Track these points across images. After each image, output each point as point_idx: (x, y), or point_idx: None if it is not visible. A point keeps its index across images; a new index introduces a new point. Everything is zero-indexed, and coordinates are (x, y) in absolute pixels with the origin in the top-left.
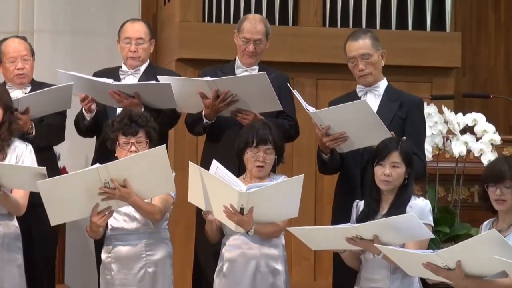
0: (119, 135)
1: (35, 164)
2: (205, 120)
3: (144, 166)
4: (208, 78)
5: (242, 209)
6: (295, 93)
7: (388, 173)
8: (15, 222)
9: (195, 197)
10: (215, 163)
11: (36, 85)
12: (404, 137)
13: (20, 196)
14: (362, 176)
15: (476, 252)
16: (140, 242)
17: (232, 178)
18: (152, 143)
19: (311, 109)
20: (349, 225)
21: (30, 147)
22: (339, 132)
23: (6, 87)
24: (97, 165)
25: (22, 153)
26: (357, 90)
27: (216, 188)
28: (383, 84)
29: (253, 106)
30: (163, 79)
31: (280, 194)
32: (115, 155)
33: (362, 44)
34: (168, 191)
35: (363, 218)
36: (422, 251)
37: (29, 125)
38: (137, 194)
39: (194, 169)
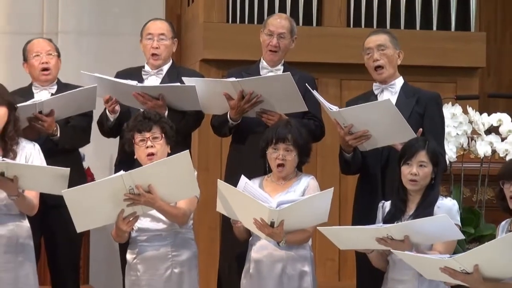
0: (134, 133)
1: (44, 163)
2: (230, 121)
3: (168, 172)
4: (233, 79)
5: (272, 223)
6: (315, 94)
7: (415, 172)
8: (26, 222)
9: (224, 208)
10: (243, 179)
11: (62, 86)
12: (420, 129)
13: (33, 196)
14: (382, 174)
15: (494, 255)
16: (166, 243)
17: (261, 194)
18: (169, 140)
19: (334, 108)
20: (380, 225)
21: (37, 146)
22: (362, 130)
23: (33, 87)
24: (122, 172)
25: (30, 153)
26: (374, 88)
27: (246, 204)
28: (399, 81)
29: (278, 107)
30: (188, 81)
31: (310, 207)
32: (135, 157)
33: (380, 37)
34: (192, 194)
35: (390, 218)
36: (439, 255)
37: (53, 127)
38: (162, 199)
39: (223, 186)
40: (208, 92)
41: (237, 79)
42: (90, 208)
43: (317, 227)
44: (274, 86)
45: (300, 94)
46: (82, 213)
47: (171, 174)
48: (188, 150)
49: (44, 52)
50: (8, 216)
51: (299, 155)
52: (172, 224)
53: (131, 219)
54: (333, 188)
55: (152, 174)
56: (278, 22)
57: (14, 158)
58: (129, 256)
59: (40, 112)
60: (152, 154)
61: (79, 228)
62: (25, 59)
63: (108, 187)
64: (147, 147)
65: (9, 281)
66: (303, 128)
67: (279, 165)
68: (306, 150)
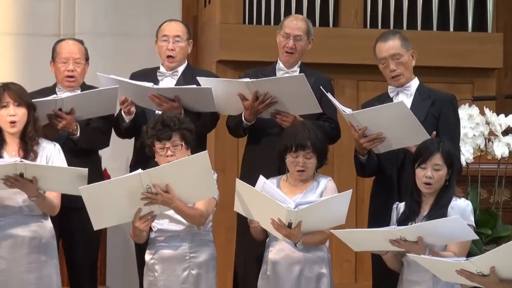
0: (154, 141)
1: (65, 163)
2: (244, 122)
3: (186, 172)
4: (247, 80)
5: (290, 224)
6: (330, 96)
7: (430, 175)
8: (49, 223)
9: (241, 208)
10: (262, 179)
11: (86, 88)
12: (434, 132)
13: (54, 196)
14: (398, 176)
15: (510, 257)
16: (184, 244)
17: (279, 194)
18: (189, 145)
19: (348, 111)
20: (394, 227)
21: (58, 146)
22: (376, 133)
23: (56, 88)
24: (139, 170)
25: (51, 154)
26: (389, 90)
27: (263, 204)
28: (414, 83)
29: (292, 108)
30: (202, 81)
31: (328, 209)
32: (155, 159)
33: (392, 45)
34: (210, 195)
35: (404, 219)
36: (455, 258)
37: (73, 126)
38: (179, 199)
39: (241, 186)
40: (223, 93)
41: (251, 80)
42: (107, 205)
43: (331, 230)
44: (288, 87)
45: (314, 96)
46: (99, 211)
47: (189, 174)
48: (207, 151)
49: (71, 60)
50: (30, 217)
51: (318, 159)
52: (190, 225)
53: (148, 218)
54: (351, 190)
55: (170, 173)
56: (295, 24)
57: (34, 158)
58: (147, 257)
59: (60, 110)
60: None
61: (96, 226)
62: (53, 59)
63: (125, 185)
64: (167, 155)
65: (32, 281)
66: (319, 130)
67: (299, 171)
68: (324, 153)
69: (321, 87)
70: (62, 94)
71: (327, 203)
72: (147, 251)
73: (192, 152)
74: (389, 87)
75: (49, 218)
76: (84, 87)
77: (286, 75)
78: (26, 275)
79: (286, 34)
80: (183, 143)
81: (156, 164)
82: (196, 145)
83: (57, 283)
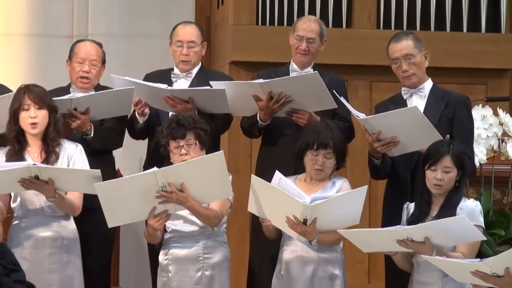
0: (169, 140)
1: (86, 164)
2: (259, 122)
3: (202, 171)
4: (261, 80)
5: (305, 220)
6: (343, 100)
7: (440, 177)
8: (72, 224)
9: (255, 207)
10: (278, 175)
11: (100, 89)
12: (448, 135)
13: (75, 197)
14: (411, 178)
15: None
16: (198, 245)
17: (295, 190)
18: (203, 145)
19: (361, 115)
20: (400, 227)
21: (80, 146)
22: (390, 137)
23: (70, 89)
24: (155, 168)
25: (73, 154)
26: (402, 92)
27: (279, 200)
28: (428, 84)
29: (308, 106)
30: (215, 85)
31: (343, 205)
32: (170, 160)
33: (404, 45)
34: (225, 196)
35: (414, 220)
36: (469, 260)
37: (88, 126)
38: (194, 199)
39: (256, 182)
40: (237, 94)
41: (265, 80)
42: (122, 203)
43: (338, 230)
44: (302, 86)
45: (329, 91)
46: (114, 208)
47: (204, 173)
48: (222, 151)
49: (88, 62)
50: (52, 218)
51: (336, 160)
52: (204, 226)
53: (163, 216)
54: (366, 186)
55: (185, 172)
56: (307, 26)
57: (56, 159)
58: (161, 257)
59: (75, 109)
60: None
61: (111, 223)
62: (70, 58)
63: (140, 183)
64: (181, 154)
65: (54, 281)
66: (341, 132)
67: (317, 169)
68: (343, 155)
69: (334, 91)
70: (76, 94)
71: (343, 198)
72: (161, 252)
73: (207, 154)
74: (403, 88)
75: (72, 219)
76: (98, 88)
77: None
78: (48, 276)
79: (299, 36)
80: (197, 142)
81: (171, 164)
82: (211, 146)
83: (80, 284)
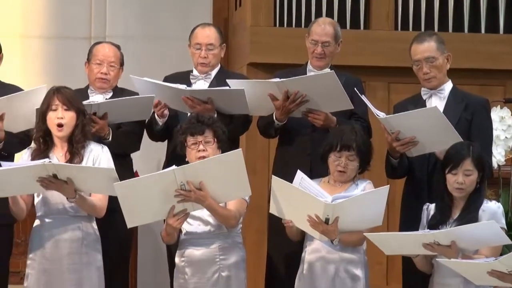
0: (187, 136)
1: (112, 164)
2: (276, 122)
3: (220, 170)
4: (277, 80)
5: (327, 219)
6: (364, 98)
7: (462, 181)
8: (94, 225)
9: (277, 209)
10: (299, 174)
11: (118, 92)
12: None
13: (99, 198)
14: (428, 179)
15: None
16: (214, 246)
17: (317, 189)
18: (221, 143)
19: (381, 115)
20: (427, 231)
21: (106, 148)
22: (409, 137)
23: (89, 90)
24: (174, 167)
25: (98, 155)
26: (422, 93)
27: (300, 199)
28: (448, 86)
29: (324, 106)
30: (232, 83)
31: (365, 204)
32: (186, 159)
33: (427, 47)
34: (244, 195)
35: (435, 223)
36: (484, 259)
37: (106, 131)
38: (212, 197)
39: (277, 182)
40: (253, 93)
41: (281, 80)
42: (141, 202)
43: (364, 233)
44: (318, 85)
45: (345, 92)
46: (133, 208)
47: (223, 172)
48: (241, 149)
49: (106, 63)
50: (74, 218)
51: (360, 163)
52: (220, 227)
53: (182, 216)
54: (388, 186)
55: (204, 170)
56: (322, 29)
57: (80, 161)
58: (177, 259)
59: (94, 114)
60: (204, 158)
61: (130, 224)
62: (88, 60)
63: (159, 182)
64: (199, 150)
65: (72, 282)
66: (366, 135)
67: (340, 171)
68: (367, 158)
69: (355, 89)
70: (94, 96)
71: (364, 197)
72: (177, 253)
73: None
74: (422, 89)
75: (94, 220)
76: (116, 90)
77: None
78: (67, 276)
79: (314, 41)
80: (215, 140)
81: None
82: (229, 148)
83: (100, 286)
